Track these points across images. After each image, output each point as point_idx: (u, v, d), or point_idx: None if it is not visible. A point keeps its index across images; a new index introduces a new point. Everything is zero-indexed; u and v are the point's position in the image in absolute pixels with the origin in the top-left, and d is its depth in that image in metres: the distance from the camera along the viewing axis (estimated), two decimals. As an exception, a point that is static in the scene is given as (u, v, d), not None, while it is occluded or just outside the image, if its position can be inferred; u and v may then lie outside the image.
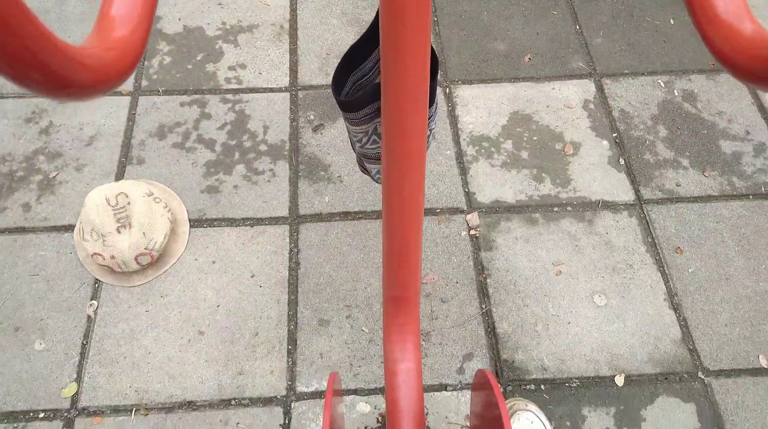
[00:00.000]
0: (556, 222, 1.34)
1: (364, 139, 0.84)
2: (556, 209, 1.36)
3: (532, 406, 0.82)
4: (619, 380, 1.15)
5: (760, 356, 1.18)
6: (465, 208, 1.37)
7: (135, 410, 1.11)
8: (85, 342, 1.18)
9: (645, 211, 1.36)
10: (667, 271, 1.28)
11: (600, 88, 1.56)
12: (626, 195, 1.38)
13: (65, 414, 1.11)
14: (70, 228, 1.32)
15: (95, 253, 1.20)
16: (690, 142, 1.47)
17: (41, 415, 1.11)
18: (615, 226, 1.34)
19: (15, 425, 1.09)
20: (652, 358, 1.18)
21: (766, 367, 1.16)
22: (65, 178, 1.39)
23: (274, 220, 1.35)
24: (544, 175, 1.41)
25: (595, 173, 1.41)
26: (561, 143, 1.46)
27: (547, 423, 0.81)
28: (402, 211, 0.66)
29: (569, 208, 1.36)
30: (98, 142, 1.45)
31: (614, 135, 1.48)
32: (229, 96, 1.54)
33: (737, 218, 1.35)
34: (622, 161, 1.44)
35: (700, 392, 1.14)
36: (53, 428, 1.09)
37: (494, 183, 1.40)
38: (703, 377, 1.16)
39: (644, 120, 1.51)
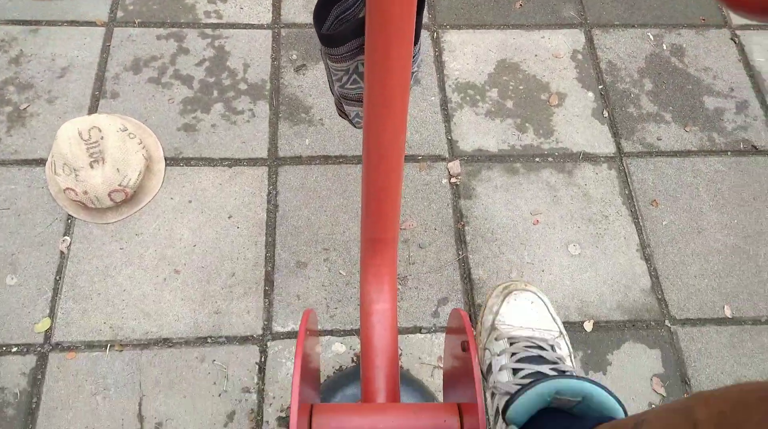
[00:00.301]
0: (536, 172, 1.35)
1: (345, 78, 0.82)
2: (537, 160, 1.36)
3: (532, 287, 0.74)
4: (588, 326, 1.18)
5: (725, 306, 1.21)
6: (447, 155, 1.36)
7: (110, 346, 1.11)
8: (58, 278, 1.17)
9: (624, 164, 1.37)
10: (641, 223, 1.30)
11: (590, 39, 1.54)
12: (607, 147, 1.39)
13: (38, 348, 1.11)
14: (41, 162, 1.29)
15: (67, 188, 1.18)
16: (674, 96, 1.46)
17: (14, 349, 1.10)
18: (594, 178, 1.35)
19: (-12, 358, 1.09)
20: (621, 306, 1.21)
21: (730, 316, 1.20)
22: (36, 110, 1.35)
23: (253, 162, 1.32)
24: (527, 125, 1.40)
25: (578, 125, 1.41)
26: (547, 93, 1.45)
27: (549, 303, 0.74)
28: (383, 152, 0.65)
29: (550, 159, 1.36)
30: (71, 74, 1.39)
31: (600, 87, 1.47)
32: (209, 31, 1.48)
33: (714, 173, 1.36)
34: (605, 114, 1.43)
35: (666, 339, 1.18)
36: (27, 362, 1.09)
37: (477, 131, 1.39)
38: (669, 325, 1.20)
39: (631, 73, 1.49)
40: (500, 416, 0.59)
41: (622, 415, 0.54)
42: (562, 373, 0.61)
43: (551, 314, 0.72)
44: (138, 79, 1.40)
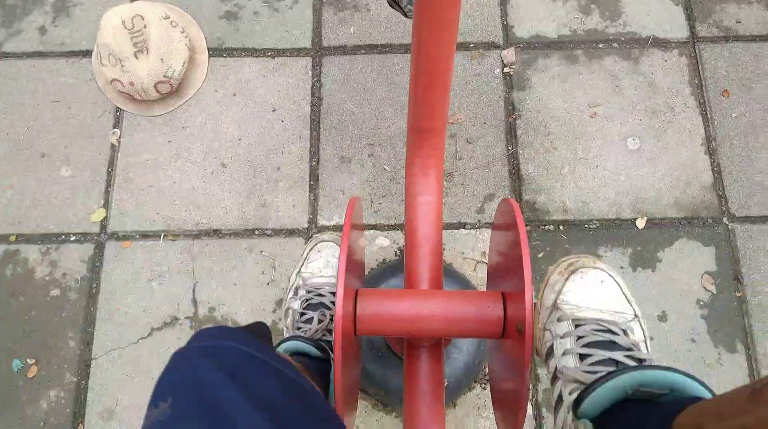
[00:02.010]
0: (598, 60, 1.25)
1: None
2: (600, 46, 1.26)
3: (602, 264, 0.66)
4: (641, 223, 1.14)
5: (792, 206, 1.14)
6: (501, 43, 1.27)
7: (163, 236, 1.15)
8: (110, 170, 1.20)
9: (697, 50, 1.25)
10: (709, 115, 1.21)
11: None
12: (680, 31, 1.26)
13: (95, 238, 1.16)
14: (87, 53, 1.28)
15: (114, 80, 1.17)
16: (760, -28, 1.30)
17: (72, 238, 1.16)
18: (662, 65, 1.24)
19: (48, 246, 1.15)
20: (678, 202, 1.15)
21: (797, 216, 1.14)
22: (78, -1, 1.32)
23: (296, 52, 1.28)
24: (593, 6, 1.29)
25: (650, 6, 1.28)
26: (613, -30, 1.31)
27: (622, 282, 0.65)
28: (434, 32, 0.60)
29: (615, 45, 1.26)
30: (108, -39, 1.35)
31: (674, -38, 1.32)
32: None
33: (797, 61, 1.24)
34: (679, -7, 1.29)
35: (722, 237, 1.13)
36: (85, 250, 1.15)
37: (536, 15, 1.29)
38: (727, 223, 1.14)
39: (711, -55, 1.33)
40: (564, 404, 0.55)
41: None
42: (640, 363, 0.55)
43: (625, 295, 0.65)
44: (176, -36, 1.34)
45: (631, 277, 1.11)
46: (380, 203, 1.17)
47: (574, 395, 0.53)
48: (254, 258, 1.14)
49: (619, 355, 0.55)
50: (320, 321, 0.73)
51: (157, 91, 1.19)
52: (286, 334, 0.76)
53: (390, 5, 0.91)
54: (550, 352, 0.59)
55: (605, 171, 1.18)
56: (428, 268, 0.75)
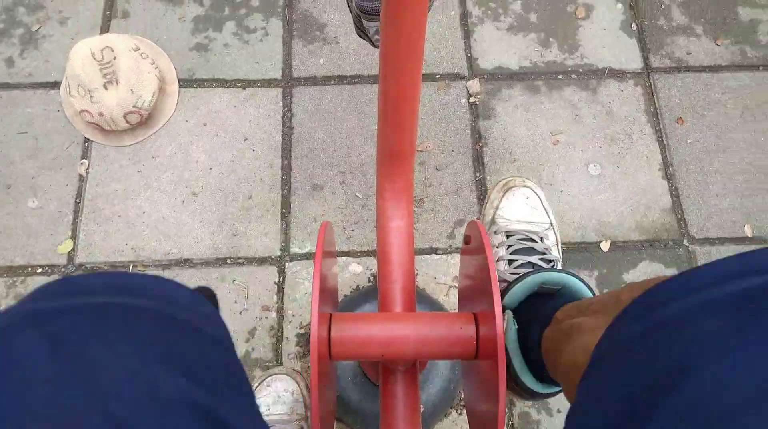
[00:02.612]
0: (558, 90, 1.30)
1: (362, -11, 0.78)
2: (560, 77, 1.32)
3: (529, 182, 0.82)
4: (605, 246, 1.17)
5: (746, 226, 1.19)
6: (466, 74, 1.32)
7: (132, 266, 1.14)
8: (78, 200, 1.19)
9: (651, 80, 1.31)
10: (665, 142, 1.26)
11: (617, -54, 1.44)
12: (635, 63, 1.33)
13: (62, 269, 1.14)
14: (56, 85, 1.28)
15: (83, 110, 1.17)
16: (707, 7, 1.39)
17: (39, 270, 1.14)
18: (619, 95, 1.30)
19: (14, 279, 1.12)
20: (640, 225, 1.20)
21: (750, 235, 1.19)
22: (48, 31, 1.32)
23: (267, 83, 1.30)
24: (551, 39, 1.35)
25: (605, 39, 1.35)
26: (573, 5, 1.38)
27: (543, 198, 0.83)
28: (401, 55, 0.63)
29: (574, 76, 1.32)
30: (78, -6, 1.36)
31: (628, -2, 1.39)
32: (216, -55, 1.42)
33: (743, 89, 1.31)
34: (634, 26, 1.36)
35: (684, 258, 1.17)
36: (55, 281, 1.12)
37: (498, 48, 1.34)
38: (687, 244, 1.19)
39: (661, -17, 1.41)
40: None
41: None
42: (549, 264, 0.71)
43: (544, 207, 0.81)
44: (146, -3, 1.36)
45: (598, 298, 1.14)
46: (353, 230, 1.19)
47: None
48: (226, 287, 1.13)
49: (535, 259, 0.71)
50: None
51: (127, 121, 1.19)
52: None
53: (359, 35, 0.94)
54: None
55: (569, 196, 1.22)
56: (401, 292, 0.76)
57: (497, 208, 0.80)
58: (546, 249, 0.73)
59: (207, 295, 0.52)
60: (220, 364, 0.34)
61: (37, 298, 0.34)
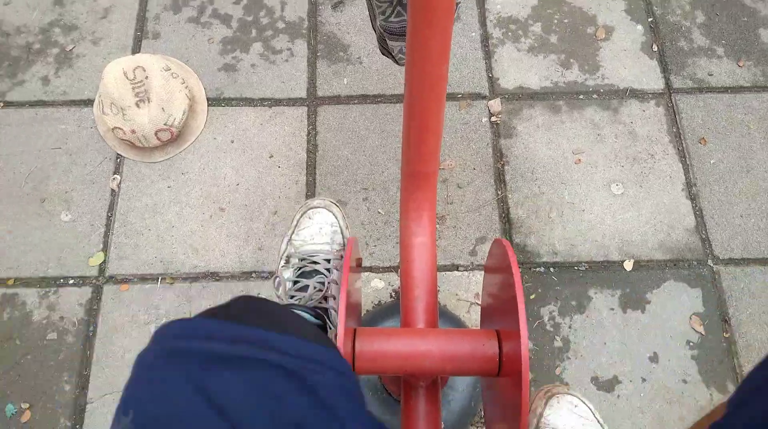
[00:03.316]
0: (580, 110, 1.31)
1: (388, 11, 0.81)
2: (581, 97, 1.33)
3: (575, 391, 0.77)
4: (628, 265, 1.17)
5: (772, 248, 1.19)
6: (487, 93, 1.34)
7: (161, 279, 1.17)
8: (109, 214, 1.22)
9: (673, 101, 1.32)
10: (688, 162, 1.26)
11: (638, -32, 1.46)
12: (656, 83, 1.34)
13: (94, 281, 1.17)
14: (89, 102, 1.32)
15: (116, 127, 1.21)
16: (727, 29, 1.39)
17: (71, 281, 1.17)
18: (641, 115, 1.31)
19: (47, 290, 1.16)
20: (664, 245, 1.19)
21: (776, 258, 1.18)
22: (82, 51, 1.37)
23: (293, 101, 1.33)
24: (572, 60, 1.36)
25: (625, 60, 1.36)
26: (593, 27, 1.39)
27: (592, 406, 0.76)
28: (426, 81, 0.65)
29: (595, 96, 1.33)
30: (113, 15, 1.41)
31: (650, 19, 1.40)
32: (245, -32, 1.47)
33: (766, 110, 1.30)
34: (655, 48, 1.37)
35: (708, 278, 1.17)
36: (83, 294, 1.16)
37: (519, 68, 1.36)
38: (712, 265, 1.18)
39: (682, 4, 1.42)
40: None
41: None
42: None
43: (598, 421, 0.73)
44: (178, 18, 1.40)
45: (622, 318, 1.14)
46: (375, 246, 1.20)
47: None
48: (250, 301, 1.15)
49: None
50: (316, 289, 0.71)
51: (158, 138, 1.23)
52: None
53: (382, 53, 0.97)
54: None
55: (591, 215, 1.22)
56: (424, 308, 0.77)
57: (541, 415, 0.74)
58: None
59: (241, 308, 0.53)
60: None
61: (168, 337, 0.40)
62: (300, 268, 0.75)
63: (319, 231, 0.80)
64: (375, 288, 1.17)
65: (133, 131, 1.20)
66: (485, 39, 1.39)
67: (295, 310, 0.67)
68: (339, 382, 0.41)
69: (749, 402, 0.38)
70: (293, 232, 0.81)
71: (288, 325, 0.43)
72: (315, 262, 0.75)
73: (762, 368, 0.39)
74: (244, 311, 0.44)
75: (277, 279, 0.76)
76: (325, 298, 0.73)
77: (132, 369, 0.40)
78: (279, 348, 0.39)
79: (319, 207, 0.82)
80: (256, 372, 0.38)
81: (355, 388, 0.44)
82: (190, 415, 0.36)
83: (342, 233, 0.85)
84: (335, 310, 0.74)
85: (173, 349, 0.39)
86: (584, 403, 0.74)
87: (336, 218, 0.85)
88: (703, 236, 1.20)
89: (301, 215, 0.82)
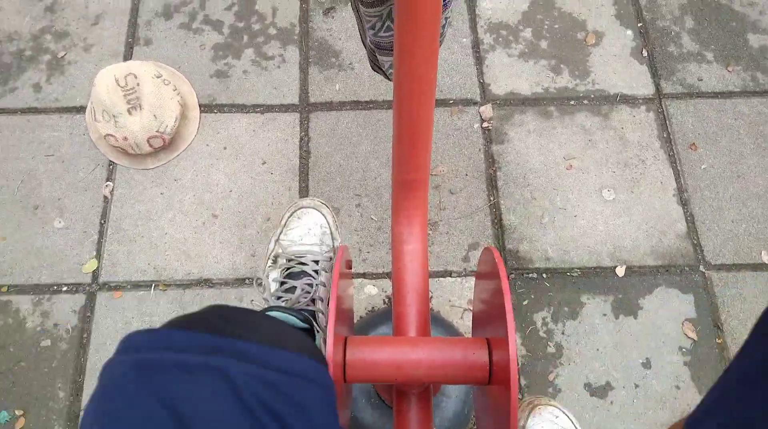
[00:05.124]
0: (571, 115, 1.32)
1: (378, 25, 0.81)
2: (572, 102, 1.33)
3: (556, 402, 0.80)
4: (620, 271, 1.18)
5: (762, 252, 1.19)
6: (479, 99, 1.34)
7: (154, 286, 1.17)
8: (102, 221, 1.22)
9: (663, 106, 1.33)
10: (679, 167, 1.27)
11: (629, -26, 1.47)
12: (646, 89, 1.34)
13: (87, 288, 1.17)
14: (81, 109, 1.32)
15: (108, 134, 1.21)
16: (717, 34, 1.40)
17: (65, 288, 1.17)
18: (631, 120, 1.31)
19: (41, 297, 1.16)
20: (655, 251, 1.20)
21: (767, 262, 1.18)
22: (74, 58, 1.37)
23: (285, 108, 1.33)
24: (562, 66, 1.37)
25: (616, 65, 1.37)
26: (583, 32, 1.40)
27: (573, 419, 0.79)
28: (414, 89, 0.65)
29: (586, 102, 1.33)
30: (105, 22, 1.41)
31: (639, 25, 1.41)
32: (237, -25, 1.47)
33: (756, 115, 1.31)
34: (645, 53, 1.38)
35: (700, 284, 1.17)
36: (77, 300, 1.15)
37: (510, 74, 1.36)
38: (704, 270, 1.19)
39: (672, 9, 1.43)
40: None
41: None
42: None
43: (576, 427, 0.77)
44: (169, 25, 1.41)
45: (614, 324, 1.14)
46: (368, 252, 1.20)
47: None
48: (245, 307, 1.15)
49: None
50: (303, 290, 0.70)
51: (150, 145, 1.23)
52: (265, 305, 0.73)
53: (373, 69, 0.97)
54: None
55: (583, 221, 1.23)
56: (416, 315, 0.77)
57: (524, 426, 0.76)
58: None
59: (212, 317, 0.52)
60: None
61: (136, 348, 0.38)
62: (287, 268, 0.74)
63: (308, 232, 0.79)
64: (368, 294, 1.17)
65: (126, 138, 1.20)
66: (476, 45, 1.39)
67: (282, 313, 0.65)
68: (325, 399, 0.41)
69: (703, 422, 0.39)
70: (281, 232, 0.80)
71: (269, 334, 0.42)
72: (303, 263, 0.74)
73: (713, 391, 0.40)
74: (221, 320, 0.42)
75: (266, 279, 0.75)
76: (313, 301, 0.73)
77: (99, 380, 0.38)
78: (260, 360, 0.38)
79: (308, 207, 0.81)
80: (229, 385, 0.36)
81: (335, 402, 0.44)
82: None
83: (332, 235, 0.84)
84: (323, 313, 0.74)
85: (143, 362, 0.37)
86: (565, 414, 0.76)
87: (326, 219, 0.85)
88: (695, 242, 1.21)
89: (290, 215, 0.81)
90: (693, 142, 1.29)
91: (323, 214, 0.85)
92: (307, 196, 1.23)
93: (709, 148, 1.29)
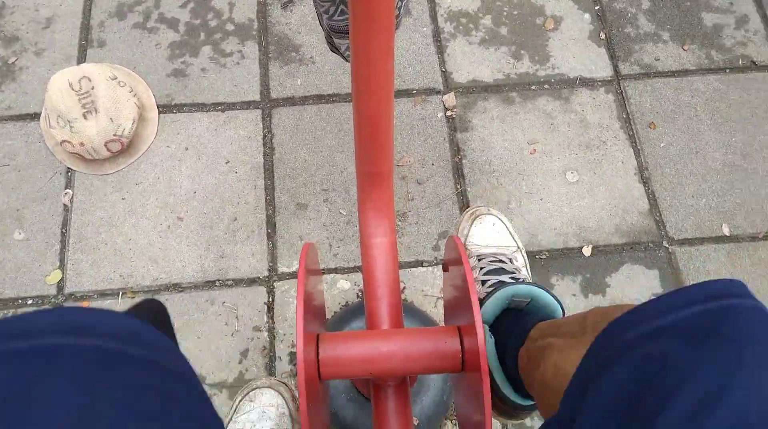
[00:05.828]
0: (532, 100, 1.33)
1: (332, 10, 0.80)
2: (533, 88, 1.35)
3: (494, 210, 0.90)
4: (587, 251, 1.20)
5: (723, 225, 1.23)
6: (441, 88, 1.34)
7: (122, 293, 1.14)
8: (64, 230, 1.19)
9: (622, 87, 1.35)
10: (639, 146, 1.30)
11: (583, -42, 1.48)
12: (604, 71, 1.36)
13: (53, 300, 1.14)
14: (36, 116, 1.28)
15: (64, 141, 1.18)
16: (672, 14, 1.43)
17: (29, 301, 1.14)
18: (591, 103, 1.33)
19: (5, 312, 1.12)
20: (620, 229, 1.22)
21: (728, 234, 1.22)
22: (25, 63, 1.33)
23: (246, 105, 1.31)
24: (522, 52, 1.38)
25: (574, 49, 1.38)
26: (542, 17, 1.41)
27: (509, 224, 0.90)
28: (372, 81, 0.65)
29: (546, 86, 1.35)
30: (56, 25, 1.37)
31: (596, 8, 1.43)
32: (190, -29, 1.44)
33: (712, 92, 1.35)
34: (602, 35, 1.40)
35: (664, 259, 1.20)
36: (43, 312, 1.12)
37: (472, 62, 1.37)
38: (667, 246, 1.21)
39: (627, -9, 1.45)
40: None
41: (560, 313, 0.68)
42: (517, 281, 0.75)
43: (510, 233, 0.88)
44: (123, 25, 1.37)
45: (584, 303, 1.16)
46: (338, 247, 1.20)
47: None
48: (216, 309, 1.14)
49: (506, 278, 0.76)
50: None
51: (108, 149, 1.20)
52: None
53: (331, 50, 0.96)
54: None
55: (549, 204, 1.24)
56: (387, 308, 0.77)
57: (467, 235, 0.86)
58: (516, 269, 0.78)
59: (156, 311, 0.50)
60: (181, 400, 0.34)
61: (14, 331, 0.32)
62: None
63: (262, 415, 0.72)
64: (341, 289, 1.17)
65: (82, 144, 1.17)
66: (437, 34, 1.39)
67: None
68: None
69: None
70: (230, 419, 0.73)
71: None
72: None
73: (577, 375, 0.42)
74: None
75: None
76: None
77: None
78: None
79: (263, 387, 0.76)
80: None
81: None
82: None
83: (291, 416, 0.77)
84: None
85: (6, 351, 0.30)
86: (501, 220, 0.88)
87: (283, 399, 0.79)
88: (657, 218, 1.24)
89: (242, 398, 0.76)
90: (652, 121, 1.32)
91: (280, 393, 0.79)
92: (275, 211, 1.22)
93: (667, 126, 1.32)
